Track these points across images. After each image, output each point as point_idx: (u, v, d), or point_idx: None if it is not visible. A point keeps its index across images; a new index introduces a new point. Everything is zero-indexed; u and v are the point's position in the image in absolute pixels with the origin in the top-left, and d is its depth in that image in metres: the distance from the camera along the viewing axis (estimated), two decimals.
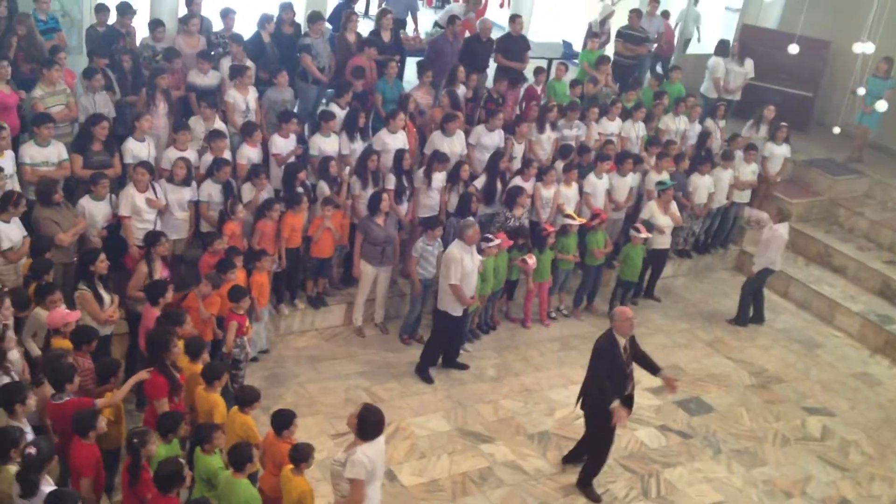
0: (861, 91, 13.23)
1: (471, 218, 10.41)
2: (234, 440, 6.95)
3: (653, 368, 8.55)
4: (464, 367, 10.43)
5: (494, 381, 10.28)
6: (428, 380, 10.13)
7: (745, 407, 10.48)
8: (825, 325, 12.70)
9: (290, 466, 6.73)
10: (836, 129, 12.69)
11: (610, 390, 8.13)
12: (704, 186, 12.87)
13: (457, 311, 9.96)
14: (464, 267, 9.75)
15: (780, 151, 13.69)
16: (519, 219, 11.07)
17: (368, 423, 6.58)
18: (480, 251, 10.30)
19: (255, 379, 9.29)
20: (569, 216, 11.42)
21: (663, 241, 12.13)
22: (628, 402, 8.43)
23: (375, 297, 10.82)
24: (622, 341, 8.21)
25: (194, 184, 9.83)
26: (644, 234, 11.59)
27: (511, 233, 10.75)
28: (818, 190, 14.99)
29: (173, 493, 6.31)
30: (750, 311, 12.36)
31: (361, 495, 6.61)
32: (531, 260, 10.77)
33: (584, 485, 8.69)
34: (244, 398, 7.28)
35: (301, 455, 6.71)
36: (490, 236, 10.49)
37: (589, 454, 8.74)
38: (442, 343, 10.25)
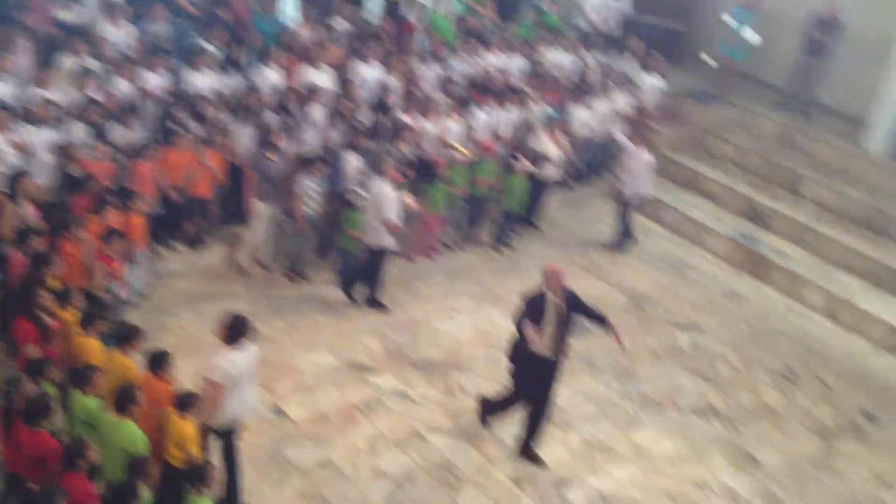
0: (727, 18, 13.69)
1: (407, 149, 10.67)
2: (114, 382, 6.88)
3: (600, 319, 8.29)
4: (382, 306, 10.57)
5: (381, 315, 10.41)
6: (382, 307, 10.42)
7: (621, 326, 10.90)
8: (695, 247, 13.29)
9: (175, 409, 6.73)
10: (706, 57, 13.11)
11: (522, 329, 8.05)
12: (582, 117, 13.19)
13: (388, 244, 10.24)
14: (389, 201, 9.97)
15: (653, 83, 14.11)
16: (405, 154, 11.13)
17: (234, 330, 6.94)
18: (364, 187, 10.40)
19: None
20: (455, 149, 11.54)
21: (552, 172, 12.42)
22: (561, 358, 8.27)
23: (263, 236, 10.75)
24: (552, 298, 8.03)
25: (62, 124, 9.48)
26: (526, 166, 11.82)
27: (379, 168, 10.80)
28: (688, 118, 15.52)
29: (41, 426, 6.23)
30: (625, 236, 12.87)
31: (220, 399, 6.85)
32: (409, 199, 10.84)
33: (527, 447, 8.51)
34: (122, 335, 7.19)
35: (187, 402, 6.70)
36: (373, 172, 10.56)
37: (528, 416, 8.47)
38: (376, 274, 10.39)
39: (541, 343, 7.98)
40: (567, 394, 9.53)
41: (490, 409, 8.74)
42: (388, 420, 8.79)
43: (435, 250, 11.89)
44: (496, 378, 9.57)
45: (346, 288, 10.51)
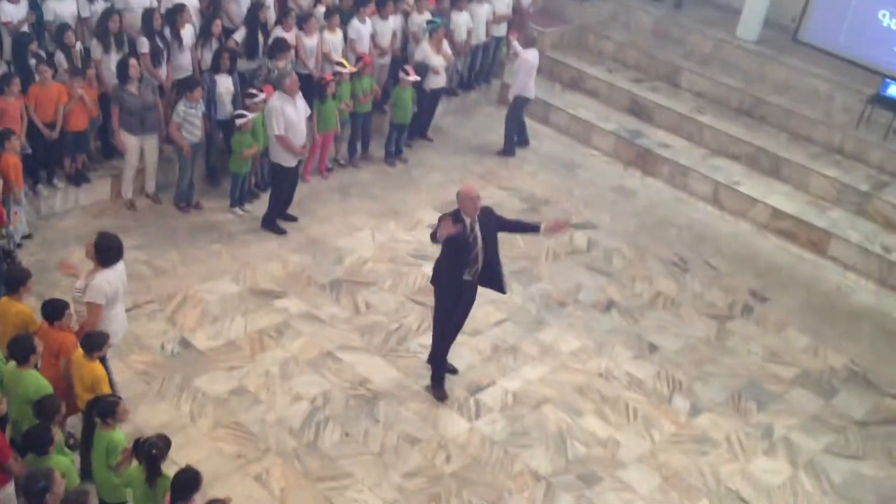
0: None
1: (288, 66, 10.35)
2: (11, 331, 6.61)
3: (533, 228, 8.17)
4: (293, 218, 10.50)
5: (280, 238, 10.26)
6: (278, 231, 10.28)
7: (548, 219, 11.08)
8: (583, 147, 13.51)
9: (81, 352, 6.53)
10: None
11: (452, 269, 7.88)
12: (463, 23, 13.06)
13: (289, 162, 10.00)
14: (287, 117, 9.74)
15: None
16: (283, 70, 10.80)
17: (105, 250, 6.88)
18: (246, 108, 10.11)
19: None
20: (340, 63, 11.27)
21: (438, 81, 12.31)
22: (481, 282, 8.11)
23: (145, 168, 10.35)
24: (468, 221, 7.78)
25: None
26: (412, 77, 11.67)
27: (276, 85, 10.49)
28: (568, 17, 15.59)
29: None
30: (515, 140, 12.96)
31: (98, 318, 6.88)
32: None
33: (434, 379, 8.46)
34: (11, 281, 6.89)
35: (94, 344, 6.51)
36: (254, 91, 10.26)
37: (433, 333, 8.50)
38: (281, 194, 10.28)
39: (454, 228, 7.66)
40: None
41: (437, 359, 8.45)
42: (298, 343, 8.76)
43: (328, 169, 11.72)
44: (402, 292, 9.67)
45: (269, 219, 10.40)
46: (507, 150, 12.92)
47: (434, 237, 7.87)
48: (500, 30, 13.77)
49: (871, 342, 10.09)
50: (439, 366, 8.42)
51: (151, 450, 5.80)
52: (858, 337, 10.15)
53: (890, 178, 12.51)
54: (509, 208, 11.50)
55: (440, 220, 7.80)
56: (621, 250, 11.05)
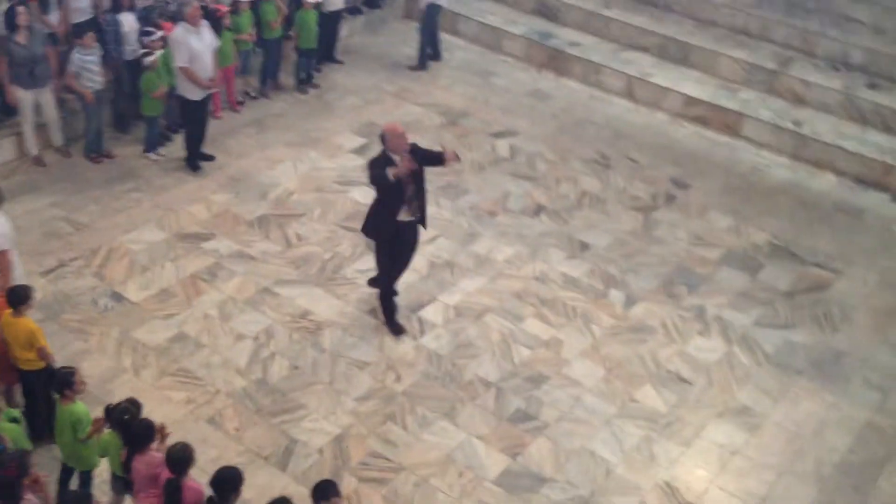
0: None
1: None
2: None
3: (437, 159, 7.93)
4: (210, 157, 10.28)
5: (200, 179, 10.05)
6: (197, 169, 10.10)
7: (441, 146, 11.06)
8: (495, 54, 13.45)
9: (9, 311, 6.37)
10: None
11: (382, 176, 7.57)
12: None
13: (195, 95, 9.75)
14: (191, 48, 9.49)
15: None
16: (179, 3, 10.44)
17: None
18: (144, 46, 9.78)
19: None
20: None
21: (336, 2, 12.02)
22: (420, 221, 8.06)
23: (47, 122, 9.96)
24: (397, 158, 7.63)
25: None
26: None
27: (175, 18, 10.14)
28: None
29: None
30: (428, 53, 12.83)
31: (9, 263, 7.06)
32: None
33: (386, 318, 8.36)
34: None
35: (19, 298, 6.36)
36: (151, 29, 9.91)
37: (378, 278, 8.37)
38: (194, 129, 10.06)
39: (404, 168, 7.52)
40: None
41: (386, 304, 8.34)
42: (233, 283, 8.68)
43: (239, 103, 11.44)
44: (331, 220, 9.62)
45: (190, 158, 10.17)
46: (421, 65, 12.78)
47: (385, 179, 7.54)
48: None
49: (790, 216, 10.45)
50: (389, 304, 8.36)
51: (123, 415, 5.75)
52: (777, 212, 10.49)
53: (795, 54, 12.78)
54: (428, 124, 11.47)
55: (371, 166, 7.66)
56: (543, 154, 11.13)
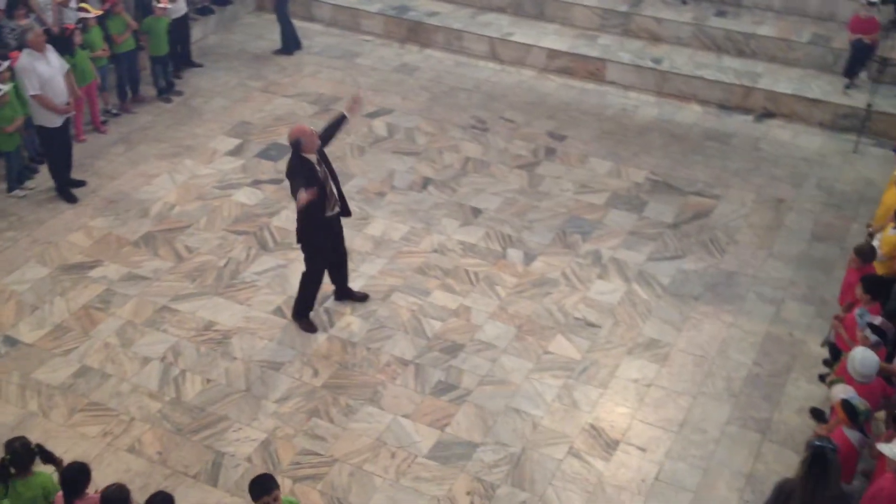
0: None
1: (30, 22, 9.74)
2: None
3: (340, 119, 7.89)
4: (81, 183, 9.93)
5: (75, 207, 9.69)
6: (70, 199, 9.73)
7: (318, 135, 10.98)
8: (355, 34, 13.38)
9: None
10: None
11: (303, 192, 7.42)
12: None
13: (53, 122, 9.44)
14: (40, 74, 9.16)
15: None
16: (25, 26, 9.99)
17: None
18: None
19: None
20: (83, 9, 10.51)
21: (180, 7, 11.72)
22: (343, 213, 7.97)
23: None
24: (313, 158, 7.56)
25: None
26: (164, 4, 11.08)
27: (21, 44, 9.71)
28: None
29: None
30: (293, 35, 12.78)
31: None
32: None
33: (298, 316, 8.27)
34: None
35: None
36: None
37: (301, 287, 8.19)
38: (57, 157, 9.70)
39: (309, 196, 7.36)
40: (291, 215, 9.61)
41: (300, 308, 8.25)
42: (128, 306, 8.44)
43: (103, 122, 11.06)
44: (219, 227, 9.44)
45: (60, 188, 9.79)
46: (287, 48, 12.71)
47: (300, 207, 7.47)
48: None
49: (664, 150, 10.82)
50: (309, 303, 8.24)
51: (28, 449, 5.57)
52: (652, 149, 10.84)
53: None
54: (302, 115, 11.35)
55: (293, 176, 7.49)
56: (421, 127, 11.17)
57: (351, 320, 8.33)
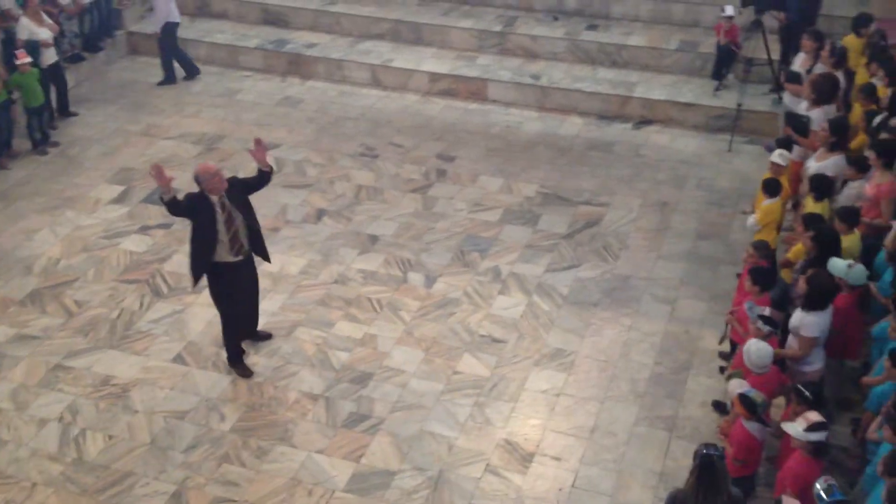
0: None
1: None
2: None
3: (261, 177, 7.73)
4: None
5: None
6: None
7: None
8: (234, 71, 13.24)
9: None
10: None
11: (202, 257, 7.47)
12: None
13: None
14: None
15: None
16: None
17: None
18: None
19: None
20: None
21: (51, 55, 11.40)
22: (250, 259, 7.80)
23: None
24: (215, 199, 7.37)
25: None
26: (24, 59, 10.72)
27: None
28: None
29: None
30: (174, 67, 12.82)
31: None
32: None
33: (231, 362, 8.08)
34: None
35: None
36: None
37: (222, 332, 8.02)
38: None
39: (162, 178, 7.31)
40: (177, 258, 9.44)
41: (231, 350, 8.07)
42: (20, 369, 8.08)
43: None
44: (108, 277, 9.18)
45: None
46: (168, 80, 12.74)
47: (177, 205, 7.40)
48: None
49: (551, 163, 11.05)
50: (234, 348, 8.06)
51: None
52: (538, 163, 11.06)
53: (516, 13, 13.49)
54: (185, 157, 11.16)
55: (182, 206, 7.40)
56: (310, 159, 11.11)
57: (255, 360, 8.18)
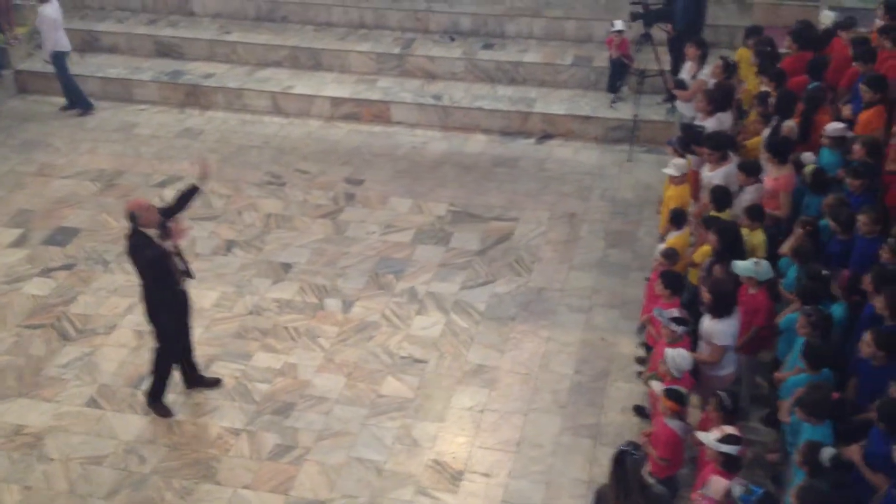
0: None
1: None
2: None
3: (192, 190, 7.75)
4: None
5: None
6: None
7: (106, 211, 10.53)
8: (129, 105, 12.95)
9: None
10: None
11: (163, 296, 7.41)
12: None
13: None
14: None
15: None
16: None
17: None
18: None
19: None
20: None
21: None
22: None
23: None
24: (153, 232, 7.29)
25: None
26: None
27: None
28: None
29: None
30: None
31: None
32: None
33: (154, 400, 7.88)
34: None
35: None
36: None
37: (154, 367, 7.80)
38: None
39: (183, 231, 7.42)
40: (91, 299, 9.19)
41: (156, 390, 7.87)
42: None
43: None
44: (12, 324, 8.91)
45: None
46: (79, 103, 12.61)
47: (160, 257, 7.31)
48: None
49: (458, 181, 11.16)
50: (163, 385, 7.86)
51: None
52: (446, 181, 11.15)
53: (413, 34, 13.60)
54: (85, 194, 10.87)
55: (136, 251, 7.26)
56: (215, 190, 10.92)
57: (173, 398, 7.98)
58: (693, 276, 8.01)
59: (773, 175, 8.25)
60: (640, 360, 8.24)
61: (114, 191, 10.92)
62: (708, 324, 6.97)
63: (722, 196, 8.13)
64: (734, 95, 9.73)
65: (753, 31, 10.65)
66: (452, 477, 7.27)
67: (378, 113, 12.53)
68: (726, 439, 5.85)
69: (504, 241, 10.04)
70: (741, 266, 7.23)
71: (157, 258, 7.30)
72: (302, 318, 8.91)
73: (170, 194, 10.67)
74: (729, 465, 5.84)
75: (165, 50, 13.66)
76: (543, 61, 12.91)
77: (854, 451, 5.79)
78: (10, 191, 10.95)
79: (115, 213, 10.43)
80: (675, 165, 8.60)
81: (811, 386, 6.14)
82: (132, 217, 7.31)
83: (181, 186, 8.14)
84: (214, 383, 8.14)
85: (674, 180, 8.61)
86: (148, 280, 7.45)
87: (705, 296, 6.98)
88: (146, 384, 7.98)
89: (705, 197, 8.52)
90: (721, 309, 6.90)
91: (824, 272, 7.06)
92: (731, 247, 7.44)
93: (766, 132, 8.91)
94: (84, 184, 11.08)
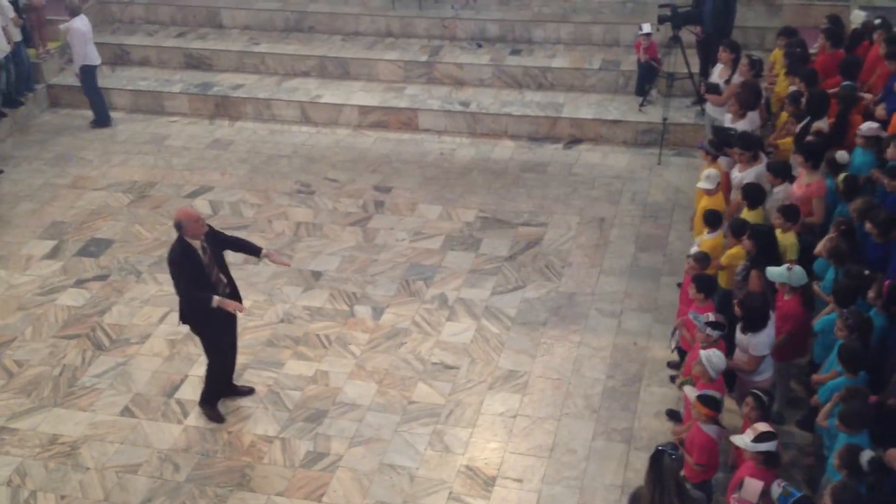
0: None
1: None
2: None
3: (254, 250, 7.81)
4: None
5: None
6: None
7: (139, 222, 10.64)
8: (160, 117, 13.08)
9: None
10: None
11: (202, 300, 7.33)
12: None
13: None
14: None
15: None
16: None
17: None
18: None
19: None
20: None
21: None
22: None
23: None
24: (197, 244, 7.32)
25: None
26: None
27: None
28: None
29: None
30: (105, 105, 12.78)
31: None
32: None
33: (207, 403, 7.96)
34: None
35: None
36: None
37: (207, 371, 7.89)
38: None
39: (237, 305, 7.50)
40: (125, 309, 9.28)
41: (209, 394, 7.96)
42: None
43: None
44: (48, 334, 8.97)
45: None
46: (101, 119, 12.73)
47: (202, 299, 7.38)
48: (18, 34, 12.64)
49: (487, 188, 11.15)
50: (216, 394, 7.96)
51: None
52: (475, 188, 11.15)
53: (440, 42, 13.63)
54: (117, 206, 10.98)
55: (174, 262, 7.35)
56: (245, 199, 11.01)
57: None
58: (722, 279, 7.92)
59: (805, 181, 8.10)
60: (673, 365, 8.16)
61: (146, 202, 11.03)
62: (743, 336, 6.89)
63: (755, 193, 8.04)
64: (762, 94, 9.63)
65: (787, 32, 10.54)
66: (485, 483, 7.24)
67: (406, 121, 12.55)
68: (760, 437, 5.79)
69: (534, 247, 10.01)
70: (774, 272, 7.14)
71: (193, 270, 7.32)
72: (333, 326, 8.93)
73: (202, 204, 10.89)
74: (769, 462, 5.80)
75: (195, 62, 13.80)
76: (571, 66, 12.88)
77: (893, 456, 5.69)
78: (44, 203, 11.10)
79: (147, 224, 10.55)
80: (707, 178, 8.34)
81: (848, 393, 6.05)
82: (178, 226, 7.33)
83: (254, 241, 8.34)
84: (248, 392, 8.18)
85: (708, 192, 8.42)
86: (180, 289, 7.49)
87: (738, 311, 6.90)
88: (198, 391, 8.07)
89: (737, 196, 8.44)
90: (753, 323, 6.81)
91: (866, 272, 6.94)
92: (766, 251, 7.35)
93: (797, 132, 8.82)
94: (116, 195, 11.20)
